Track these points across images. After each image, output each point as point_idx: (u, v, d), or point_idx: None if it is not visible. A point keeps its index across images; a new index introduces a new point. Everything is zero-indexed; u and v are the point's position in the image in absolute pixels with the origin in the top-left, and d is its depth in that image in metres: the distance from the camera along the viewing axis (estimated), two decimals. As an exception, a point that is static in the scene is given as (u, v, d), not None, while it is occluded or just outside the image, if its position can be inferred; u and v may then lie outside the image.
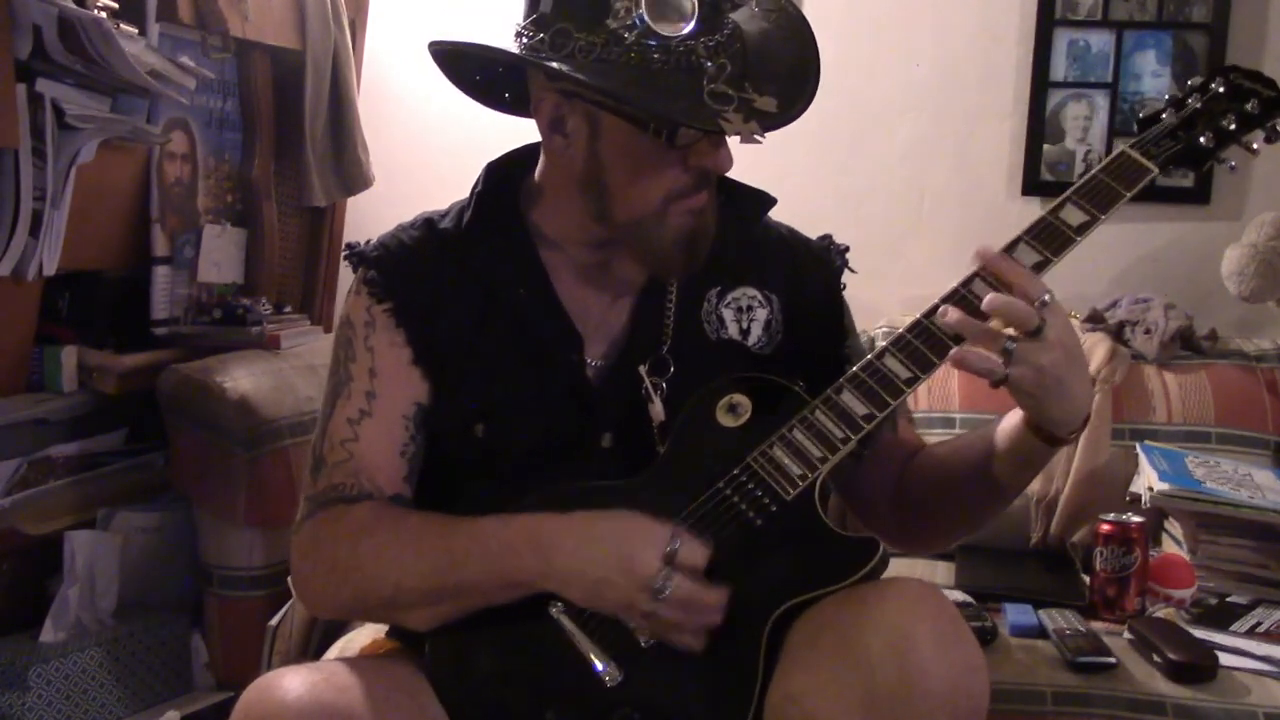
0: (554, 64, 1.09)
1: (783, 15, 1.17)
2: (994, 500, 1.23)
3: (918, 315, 1.14)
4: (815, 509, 1.12)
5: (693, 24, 1.07)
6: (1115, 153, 1.21)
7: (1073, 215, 1.15)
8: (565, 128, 1.16)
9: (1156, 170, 1.19)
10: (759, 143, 1.09)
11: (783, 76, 1.12)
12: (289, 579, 1.79)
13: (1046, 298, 1.08)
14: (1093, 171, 1.19)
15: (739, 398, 1.18)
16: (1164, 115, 1.24)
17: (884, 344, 1.14)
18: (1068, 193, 1.17)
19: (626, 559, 1.06)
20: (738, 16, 1.13)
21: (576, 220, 1.21)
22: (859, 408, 1.12)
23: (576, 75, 1.08)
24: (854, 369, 1.14)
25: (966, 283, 1.12)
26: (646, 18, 1.06)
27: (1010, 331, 1.08)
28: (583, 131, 1.15)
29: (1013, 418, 1.15)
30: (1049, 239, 1.14)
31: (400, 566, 1.13)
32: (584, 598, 1.08)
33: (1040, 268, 1.13)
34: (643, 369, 1.21)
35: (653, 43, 1.07)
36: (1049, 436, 1.12)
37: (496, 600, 1.11)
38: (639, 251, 1.19)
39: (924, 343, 1.12)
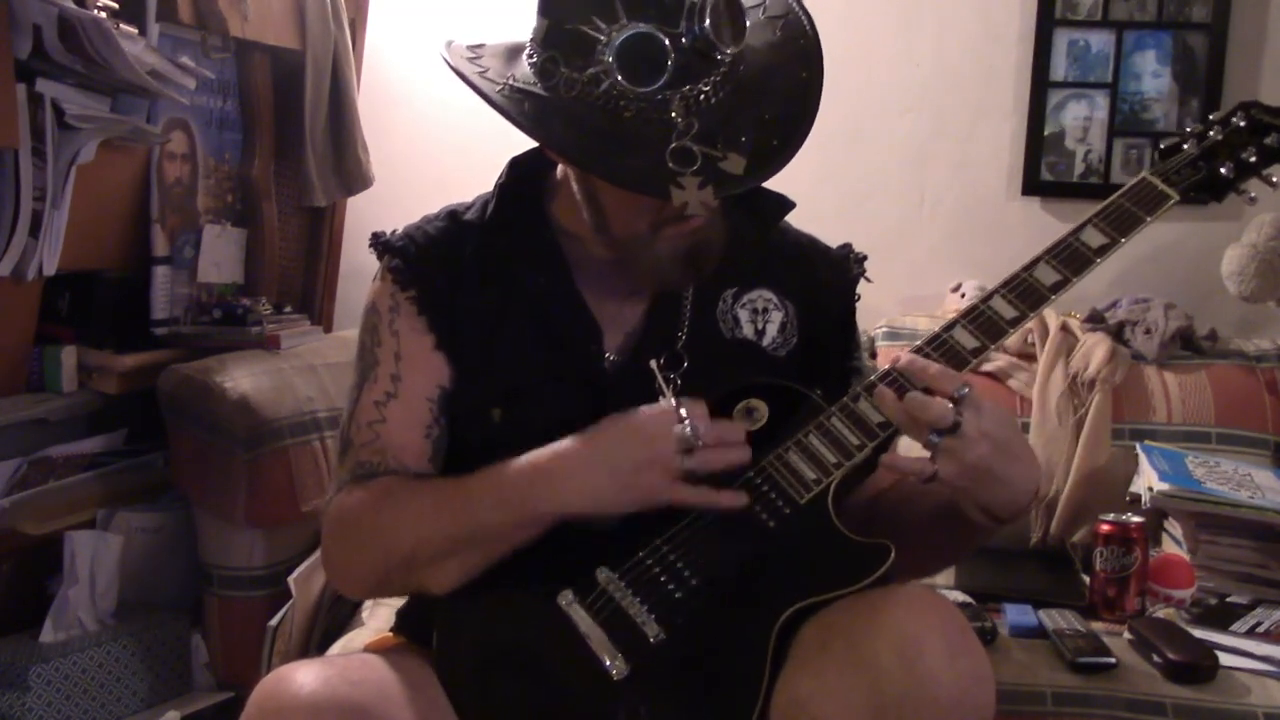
0: (526, 106, 1.09)
1: (796, 44, 1.15)
2: (946, 554, 1.25)
3: (932, 325, 1.15)
4: (829, 513, 1.12)
5: (664, 79, 1.05)
6: (1137, 179, 1.23)
7: (1093, 237, 1.18)
8: None
9: (1177, 197, 1.22)
10: (703, 215, 1.08)
11: (769, 124, 1.10)
12: (289, 578, 1.80)
13: (965, 391, 1.07)
14: (1114, 196, 1.21)
15: (756, 402, 1.19)
16: (1185, 145, 1.27)
17: (903, 354, 1.15)
18: (1090, 216, 1.20)
19: (647, 439, 1.09)
20: (751, 38, 1.11)
21: (586, 224, 1.22)
22: (875, 416, 1.12)
23: (539, 135, 1.10)
24: (872, 378, 1.15)
25: (888, 373, 1.14)
26: (616, 72, 1.05)
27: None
28: None
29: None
30: (1069, 259, 1.16)
31: (418, 519, 1.14)
32: (618, 500, 1.10)
33: (1059, 287, 1.15)
34: (655, 363, 1.21)
35: (624, 95, 1.06)
36: (991, 516, 1.12)
37: (515, 540, 1.12)
38: (634, 267, 1.20)
39: (943, 355, 1.13)
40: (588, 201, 1.18)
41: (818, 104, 1.13)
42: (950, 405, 1.07)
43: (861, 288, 1.36)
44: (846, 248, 1.36)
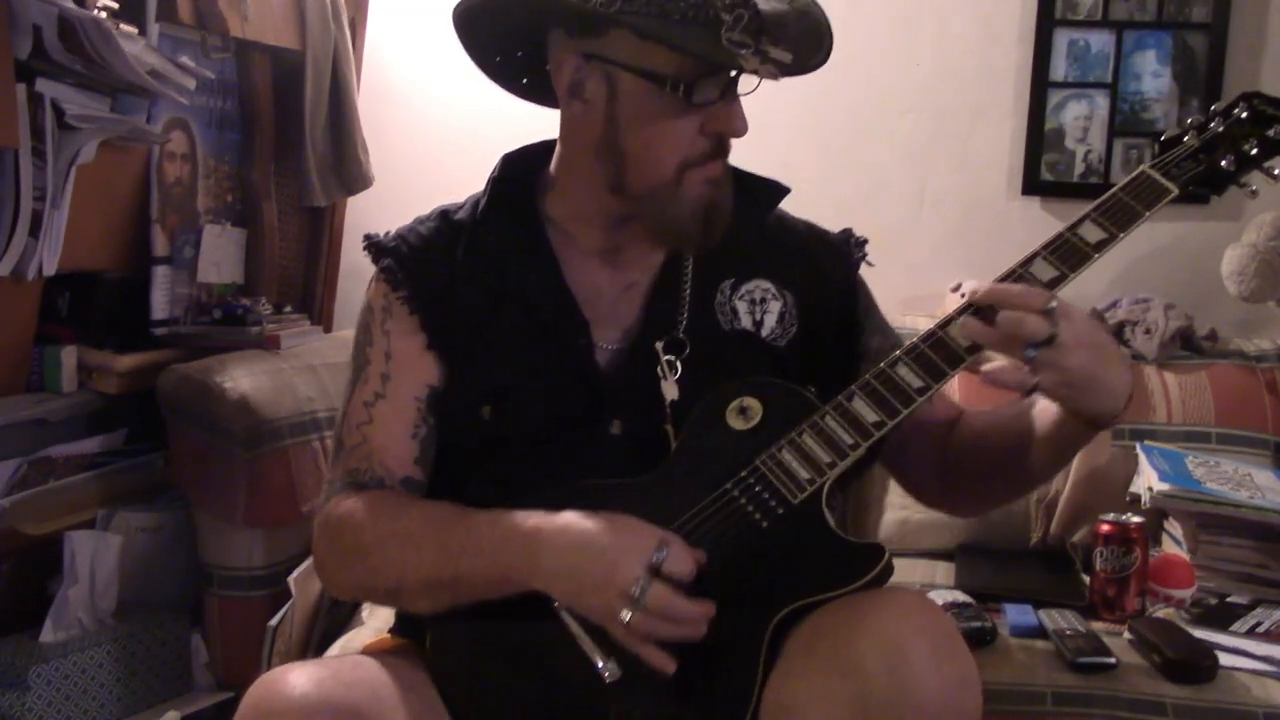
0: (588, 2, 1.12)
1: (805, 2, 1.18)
2: (1034, 476, 1.24)
3: (931, 324, 1.15)
4: (822, 514, 1.12)
5: None
6: (1136, 172, 1.21)
7: (1091, 232, 1.16)
8: (584, 92, 1.18)
9: (1177, 190, 1.19)
10: (775, 78, 1.13)
11: (798, 39, 1.14)
12: (289, 578, 1.80)
13: (1053, 304, 1.07)
14: (1113, 190, 1.19)
15: (749, 400, 1.18)
16: (1186, 137, 1.25)
17: (897, 352, 1.15)
18: (1087, 210, 1.18)
19: (610, 564, 1.05)
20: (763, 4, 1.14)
21: (591, 199, 1.23)
22: (870, 415, 1.12)
23: (603, 7, 1.11)
24: (867, 376, 1.14)
25: (967, 307, 1.12)
26: None
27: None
28: (601, 94, 1.17)
29: (1050, 405, 1.15)
30: (1066, 255, 1.15)
31: (402, 560, 1.15)
32: (568, 599, 1.08)
33: (1056, 283, 1.13)
34: (659, 345, 1.21)
35: None
36: (1090, 421, 1.12)
37: (492, 595, 1.11)
38: (654, 223, 1.20)
39: (937, 352, 1.13)
40: (607, 153, 1.18)
41: (831, 28, 1.19)
42: (1043, 319, 1.06)
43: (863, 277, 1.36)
44: (846, 233, 1.37)
